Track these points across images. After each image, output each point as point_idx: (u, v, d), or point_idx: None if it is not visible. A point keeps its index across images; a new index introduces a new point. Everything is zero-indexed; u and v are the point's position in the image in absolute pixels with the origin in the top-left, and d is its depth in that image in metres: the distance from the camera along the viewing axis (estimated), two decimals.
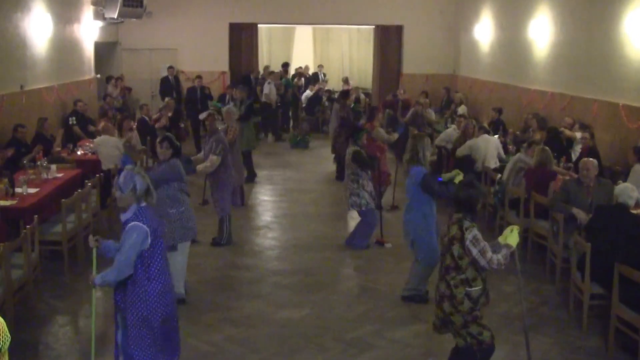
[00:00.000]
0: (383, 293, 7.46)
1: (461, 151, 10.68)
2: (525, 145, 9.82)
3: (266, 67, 19.37)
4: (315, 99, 18.65)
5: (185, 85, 17.70)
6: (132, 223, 4.69)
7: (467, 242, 4.82)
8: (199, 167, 8.56)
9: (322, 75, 21.40)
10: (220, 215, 9.02)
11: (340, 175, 13.06)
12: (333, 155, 14.31)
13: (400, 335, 6.37)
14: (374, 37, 20.72)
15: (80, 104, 12.84)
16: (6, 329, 2.79)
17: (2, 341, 2.74)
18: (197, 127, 16.08)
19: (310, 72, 21.57)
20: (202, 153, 8.97)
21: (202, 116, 9.17)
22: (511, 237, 4.96)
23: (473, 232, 4.85)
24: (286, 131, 19.01)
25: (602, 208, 6.89)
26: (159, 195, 6.05)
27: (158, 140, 6.98)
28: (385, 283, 7.75)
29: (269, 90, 17.53)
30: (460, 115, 13.21)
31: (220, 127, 9.54)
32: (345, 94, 14.55)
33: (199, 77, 16.32)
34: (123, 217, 4.80)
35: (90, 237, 5.05)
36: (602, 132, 10.65)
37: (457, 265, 4.89)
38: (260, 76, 19.01)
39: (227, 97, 17.54)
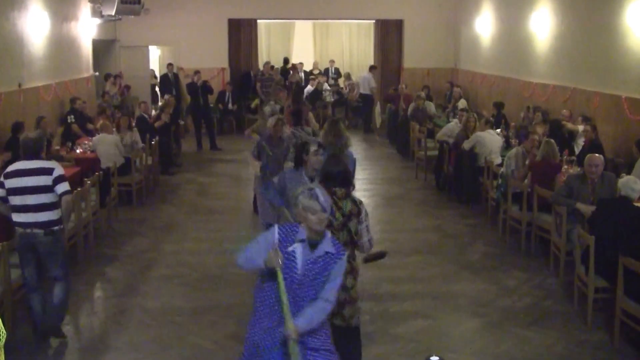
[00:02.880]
0: (385, 289, 7.41)
1: (468, 144, 10.60)
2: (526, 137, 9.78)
3: (266, 63, 19.31)
4: (315, 94, 18.57)
5: (185, 82, 17.67)
6: (344, 256, 4.17)
7: (362, 216, 4.89)
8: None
9: (332, 70, 21.32)
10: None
11: None
12: None
13: (404, 332, 6.32)
14: (374, 32, 20.63)
15: (79, 101, 12.79)
16: (1, 325, 2.74)
17: None
18: (198, 123, 16.06)
19: (320, 67, 21.54)
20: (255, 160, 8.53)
21: (270, 123, 8.83)
22: None
23: (364, 207, 4.94)
24: None
25: (605, 201, 6.84)
26: None
27: (314, 149, 6.13)
28: (388, 279, 7.69)
29: (374, 83, 18.30)
30: (462, 110, 13.15)
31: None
32: (300, 88, 14.45)
33: (197, 72, 16.26)
34: (324, 247, 4.09)
35: (273, 254, 4.03)
36: (604, 125, 10.58)
37: (352, 240, 4.90)
38: (259, 73, 18.95)
39: (227, 94, 17.54)
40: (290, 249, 4.08)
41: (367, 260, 6.43)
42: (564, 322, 6.55)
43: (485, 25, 16.83)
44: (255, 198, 9.64)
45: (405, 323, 6.50)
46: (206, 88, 15.95)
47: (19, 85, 11.14)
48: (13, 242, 6.29)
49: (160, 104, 14.21)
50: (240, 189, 11.68)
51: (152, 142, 12.00)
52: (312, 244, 4.09)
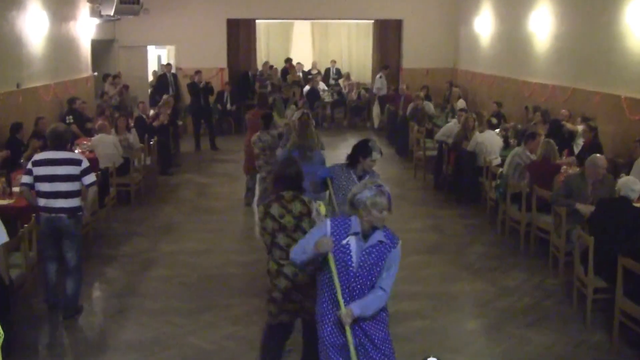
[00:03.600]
0: None
1: (471, 147, 10.60)
2: (524, 138, 9.76)
3: (265, 63, 19.28)
4: (312, 94, 18.55)
5: (183, 82, 17.72)
6: (398, 245, 4.22)
7: (314, 215, 4.95)
8: None
9: (333, 71, 21.25)
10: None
11: None
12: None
13: (401, 331, 6.30)
14: (373, 32, 20.63)
15: (78, 102, 12.79)
16: None
17: None
18: (198, 124, 16.06)
19: (320, 67, 21.52)
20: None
21: (295, 116, 8.87)
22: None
23: (315, 205, 5.01)
24: None
25: (604, 201, 6.83)
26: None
27: (377, 157, 6.10)
28: None
29: (380, 84, 18.30)
30: (461, 110, 13.16)
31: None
32: (264, 95, 14.41)
33: (198, 72, 16.30)
34: (376, 237, 4.15)
35: (325, 238, 4.10)
36: (604, 125, 10.56)
37: None
38: (258, 72, 18.93)
39: (226, 94, 17.52)
40: (344, 242, 4.14)
41: None
42: (563, 323, 6.54)
43: (484, 25, 16.82)
44: None
45: (404, 323, 6.49)
46: (207, 89, 15.99)
47: (18, 86, 11.13)
48: (11, 242, 6.29)
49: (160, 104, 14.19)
50: (239, 189, 11.64)
51: (151, 143, 11.99)
52: (365, 236, 4.14)
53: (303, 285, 4.94)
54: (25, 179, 6.49)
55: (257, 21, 20.16)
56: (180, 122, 15.97)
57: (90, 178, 6.58)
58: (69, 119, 12.31)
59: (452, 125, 12.01)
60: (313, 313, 4.75)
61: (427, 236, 9.33)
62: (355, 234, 4.13)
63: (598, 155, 7.55)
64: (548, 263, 7.97)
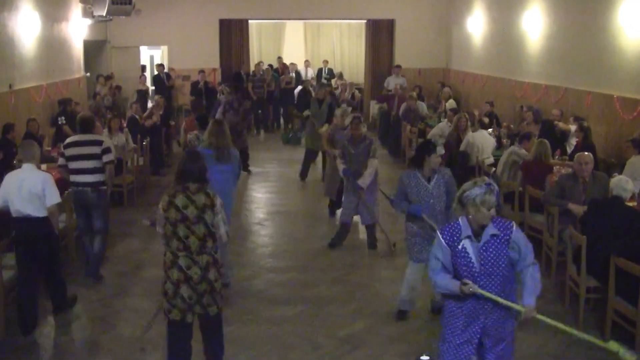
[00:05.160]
0: (376, 289, 7.41)
1: (464, 146, 10.63)
2: (518, 138, 9.79)
3: (258, 64, 19.25)
4: (304, 95, 18.48)
5: (177, 82, 17.71)
6: (512, 226, 4.28)
7: (217, 207, 5.08)
8: (366, 174, 8.33)
9: (325, 71, 21.20)
10: (374, 222, 8.79)
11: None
12: None
13: (394, 331, 6.32)
14: (366, 32, 20.63)
15: (73, 102, 12.75)
16: None
17: None
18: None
19: (313, 67, 21.49)
20: (340, 161, 8.68)
21: (347, 121, 8.93)
22: None
23: (219, 199, 5.16)
24: (277, 127, 18.99)
25: (596, 201, 6.84)
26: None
27: (441, 153, 6.36)
28: (379, 279, 7.70)
29: (387, 83, 18.17)
30: (451, 109, 13.18)
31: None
32: (237, 88, 14.41)
33: (202, 71, 16.34)
34: (488, 232, 4.23)
35: (465, 288, 4.22)
36: (597, 124, 10.60)
37: (211, 232, 5.09)
38: (251, 72, 18.90)
39: (219, 94, 17.49)
40: (459, 247, 4.22)
41: None
42: None
43: (476, 25, 16.86)
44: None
45: (398, 323, 6.50)
46: (208, 89, 16.05)
47: (10, 87, 11.10)
48: (5, 243, 6.28)
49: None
50: None
51: (143, 143, 11.96)
52: (477, 235, 4.24)
53: (195, 280, 5.05)
54: (60, 161, 7.65)
55: (249, 21, 20.15)
56: (172, 123, 15.95)
57: (108, 157, 7.57)
58: (61, 120, 12.26)
59: (444, 126, 12.04)
60: (206, 305, 5.10)
61: None
62: (468, 236, 4.23)
63: (584, 153, 7.59)
64: (540, 262, 7.98)
